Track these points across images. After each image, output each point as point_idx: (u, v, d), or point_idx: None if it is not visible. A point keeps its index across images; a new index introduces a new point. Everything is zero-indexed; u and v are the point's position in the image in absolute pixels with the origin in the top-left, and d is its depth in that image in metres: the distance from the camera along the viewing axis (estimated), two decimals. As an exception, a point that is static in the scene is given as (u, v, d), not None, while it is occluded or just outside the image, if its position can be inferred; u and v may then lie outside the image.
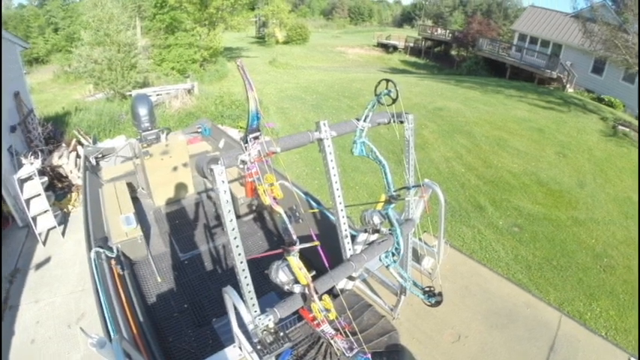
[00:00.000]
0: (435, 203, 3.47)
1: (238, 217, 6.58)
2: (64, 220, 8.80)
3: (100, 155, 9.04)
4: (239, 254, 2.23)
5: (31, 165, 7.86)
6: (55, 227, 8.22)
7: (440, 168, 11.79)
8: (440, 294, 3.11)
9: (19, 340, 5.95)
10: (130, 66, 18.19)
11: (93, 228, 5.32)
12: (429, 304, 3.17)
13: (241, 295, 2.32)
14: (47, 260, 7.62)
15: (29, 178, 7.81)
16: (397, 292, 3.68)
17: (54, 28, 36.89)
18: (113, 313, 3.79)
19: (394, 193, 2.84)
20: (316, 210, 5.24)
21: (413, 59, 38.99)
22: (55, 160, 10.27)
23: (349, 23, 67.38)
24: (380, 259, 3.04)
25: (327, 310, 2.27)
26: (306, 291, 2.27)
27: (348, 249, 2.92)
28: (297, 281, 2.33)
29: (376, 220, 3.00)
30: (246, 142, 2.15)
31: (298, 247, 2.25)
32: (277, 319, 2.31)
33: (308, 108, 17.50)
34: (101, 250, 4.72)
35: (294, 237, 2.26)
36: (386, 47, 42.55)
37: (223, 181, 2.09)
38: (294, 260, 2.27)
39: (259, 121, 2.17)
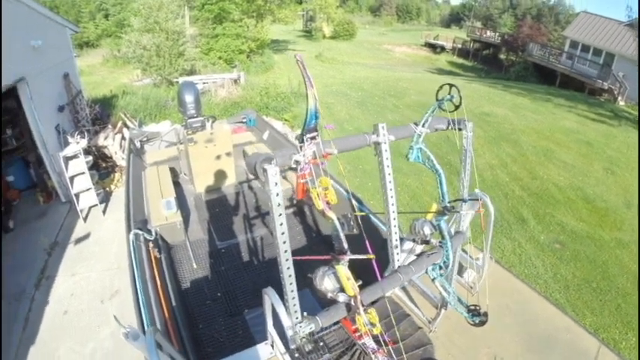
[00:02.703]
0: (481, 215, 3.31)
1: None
2: (105, 198, 9.07)
3: (144, 139, 9.21)
4: (286, 259, 2.11)
5: (77, 144, 8.08)
6: (96, 205, 8.48)
7: (484, 175, 11.40)
8: (485, 314, 2.93)
9: (52, 310, 6.16)
10: (178, 53, 18.60)
11: (133, 210, 5.40)
12: (472, 323, 3.00)
13: (283, 299, 2.23)
14: (86, 236, 7.86)
15: (74, 156, 8.04)
16: (437, 305, 3.51)
17: (104, 14, 38.20)
18: (147, 295, 3.81)
19: (448, 205, 2.70)
20: (362, 213, 5.09)
21: (460, 61, 38.11)
22: (101, 140, 10.58)
23: (396, 21, 66.45)
24: (426, 271, 2.92)
25: (372, 325, 2.17)
26: (352, 302, 2.16)
27: (397, 260, 2.82)
28: (342, 290, 2.23)
29: (427, 230, 2.85)
30: (302, 141, 2.04)
31: (349, 257, 2.15)
32: (319, 328, 2.22)
33: (353, 104, 17.31)
34: (140, 233, 4.76)
35: (346, 246, 2.16)
36: (433, 47, 41.76)
37: (277, 183, 1.94)
38: (343, 270, 2.17)
39: (317, 121, 2.08)
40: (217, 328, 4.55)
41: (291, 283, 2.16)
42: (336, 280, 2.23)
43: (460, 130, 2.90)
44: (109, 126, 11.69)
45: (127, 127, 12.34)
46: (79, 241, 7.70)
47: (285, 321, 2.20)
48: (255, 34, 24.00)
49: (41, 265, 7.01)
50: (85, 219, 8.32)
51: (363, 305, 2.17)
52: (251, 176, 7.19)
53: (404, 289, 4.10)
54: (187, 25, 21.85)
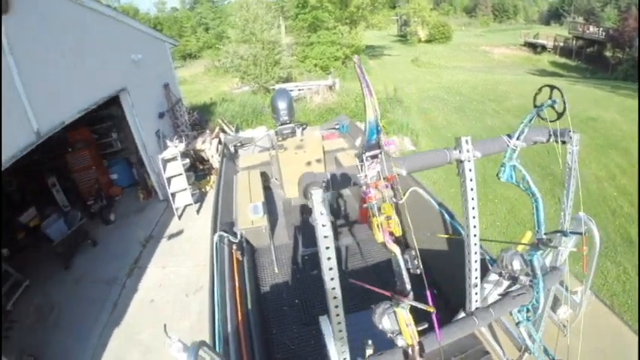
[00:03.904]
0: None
1: (354, 221, 6.33)
2: (200, 198, 9.64)
3: (238, 144, 9.54)
4: (334, 297, 1.82)
5: (175, 147, 8.63)
6: (191, 204, 9.04)
7: (589, 189, 10.18)
8: None
9: (140, 298, 6.65)
10: (274, 62, 19.38)
11: (221, 212, 5.53)
12: None
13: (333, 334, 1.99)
14: (179, 233, 8.40)
15: (172, 158, 8.66)
16: (521, 348, 3.04)
17: (205, 27, 41.77)
18: (223, 296, 3.81)
19: (544, 237, 2.25)
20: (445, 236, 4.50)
21: (563, 60, 34.84)
22: (199, 144, 11.24)
23: (493, 21, 62.73)
24: (510, 313, 2.48)
25: None
26: (410, 351, 1.90)
27: (475, 300, 2.39)
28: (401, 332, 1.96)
29: (516, 265, 2.37)
30: (362, 160, 1.78)
31: (410, 302, 1.86)
32: None
33: (450, 110, 16.68)
34: (225, 235, 4.85)
35: (408, 287, 1.88)
36: (534, 47, 38.68)
37: (322, 213, 1.67)
38: (403, 314, 1.90)
39: (379, 136, 1.79)
40: (290, 335, 4.45)
41: (339, 323, 1.91)
42: (396, 321, 1.96)
43: (564, 143, 2.38)
44: (207, 131, 12.39)
45: (224, 132, 12.94)
46: (172, 237, 8.22)
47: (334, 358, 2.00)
48: (349, 41, 24.17)
49: (135, 256, 7.64)
50: (179, 217, 8.88)
51: (422, 355, 1.90)
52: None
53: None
54: (283, 35, 22.65)
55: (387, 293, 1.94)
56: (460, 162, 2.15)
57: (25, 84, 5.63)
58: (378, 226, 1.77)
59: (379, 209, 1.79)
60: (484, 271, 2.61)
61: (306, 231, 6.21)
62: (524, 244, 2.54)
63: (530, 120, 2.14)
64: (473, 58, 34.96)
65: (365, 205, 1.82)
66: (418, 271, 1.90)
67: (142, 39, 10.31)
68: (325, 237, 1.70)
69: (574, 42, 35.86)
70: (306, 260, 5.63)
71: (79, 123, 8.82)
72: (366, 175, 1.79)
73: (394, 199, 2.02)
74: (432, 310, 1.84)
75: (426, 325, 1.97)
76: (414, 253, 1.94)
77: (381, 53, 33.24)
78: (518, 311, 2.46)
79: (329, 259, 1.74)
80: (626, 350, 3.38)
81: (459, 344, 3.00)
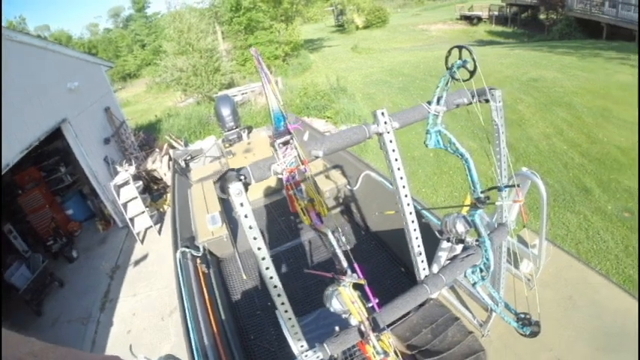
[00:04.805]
0: (534, 194, 2.89)
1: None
2: (160, 219, 9.49)
3: (188, 157, 9.47)
4: (274, 286, 1.86)
5: (125, 172, 8.51)
6: (151, 227, 8.90)
7: (539, 146, 10.72)
8: (537, 323, 2.50)
9: (117, 330, 6.55)
10: (214, 69, 19.14)
11: (180, 228, 5.52)
12: (522, 334, 2.59)
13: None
14: (144, 257, 8.29)
15: (125, 183, 8.50)
16: (488, 308, 3.15)
17: (141, 44, 40.81)
18: (194, 313, 3.86)
19: (481, 195, 2.29)
20: (391, 212, 4.40)
21: (500, 29, 36.05)
22: (150, 164, 11.08)
23: (427, -1, 64.30)
24: (465, 275, 2.49)
25: (386, 353, 1.92)
26: (362, 327, 1.93)
27: (422, 268, 2.39)
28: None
29: (460, 228, 2.34)
30: (275, 149, 1.82)
31: (350, 279, 1.92)
32: (327, 357, 2.02)
33: (395, 91, 17.00)
34: (187, 250, 4.87)
35: (345, 265, 1.94)
36: (470, 19, 39.87)
37: (242, 204, 1.63)
38: (346, 292, 1.95)
39: (285, 122, 1.84)
40: (268, 338, 4.51)
41: (286, 311, 1.95)
42: (343, 301, 2.02)
43: (487, 101, 2.37)
44: (157, 149, 12.20)
45: (173, 148, 12.79)
46: (137, 262, 8.13)
47: (293, 349, 2.06)
48: (287, 38, 24.18)
49: (105, 289, 7.50)
50: (142, 241, 8.76)
51: (375, 330, 1.93)
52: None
53: (452, 289, 3.74)
54: (220, 41, 22.41)
55: (329, 275, 2.01)
56: (380, 135, 2.11)
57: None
58: (302, 210, 1.83)
59: (299, 193, 1.82)
60: (437, 240, 2.68)
61: (266, 234, 6.31)
62: (463, 205, 2.59)
63: (446, 84, 2.17)
64: (412, 38, 35.60)
65: (290, 192, 1.87)
66: (348, 247, 2.02)
67: (76, 65, 9.99)
68: (250, 228, 1.72)
69: (508, 9, 37.05)
70: (273, 262, 5.75)
71: (25, 163, 8.59)
72: (282, 163, 1.81)
73: (313, 181, 2.01)
74: (362, 282, 1.92)
75: (376, 301, 2.04)
76: (339, 229, 2.04)
77: (321, 45, 33.37)
78: (472, 272, 2.49)
79: (259, 249, 1.78)
80: (594, 295, 3.47)
81: (428, 315, 3.11)
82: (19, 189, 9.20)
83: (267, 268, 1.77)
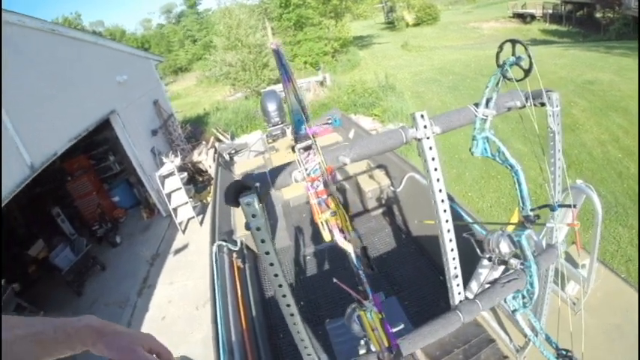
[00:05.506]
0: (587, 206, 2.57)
1: (366, 211, 6.32)
2: (202, 210, 9.70)
3: (233, 151, 9.59)
4: (291, 314, 1.68)
5: (171, 163, 8.71)
6: (193, 217, 9.10)
7: (593, 153, 10.07)
8: None
9: (151, 316, 6.76)
10: (262, 65, 19.40)
11: (219, 222, 5.55)
12: None
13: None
14: (185, 247, 8.49)
15: (170, 174, 8.72)
16: (524, 331, 2.93)
17: (192, 39, 41.95)
18: (225, 308, 3.84)
19: (531, 214, 1.98)
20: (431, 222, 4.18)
21: (554, 27, 34.31)
22: (195, 156, 11.34)
23: (480, -4, 62.30)
24: (505, 301, 2.22)
25: None
26: (381, 357, 1.73)
27: (457, 292, 2.11)
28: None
29: (504, 248, 2.05)
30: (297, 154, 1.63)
31: (372, 307, 1.74)
32: None
33: (444, 90, 16.64)
34: (224, 244, 4.87)
35: (368, 289, 1.76)
36: (523, 17, 38.26)
37: (254, 215, 1.41)
38: (367, 318, 1.76)
39: (306, 125, 1.65)
40: None
41: (298, 332, 1.76)
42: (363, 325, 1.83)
43: (542, 105, 2.04)
44: (203, 142, 12.47)
45: (220, 141, 13.03)
46: (177, 251, 8.32)
47: None
48: (336, 34, 24.14)
49: (144, 275, 7.75)
50: (183, 231, 8.97)
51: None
52: (339, 176, 6.93)
53: (492, 308, 3.44)
54: (270, 36, 22.48)
55: (357, 295, 1.82)
56: (418, 140, 1.83)
57: (13, 121, 5.76)
58: (322, 223, 1.63)
59: (322, 204, 1.65)
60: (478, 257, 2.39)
61: (306, 231, 6.26)
62: (510, 223, 2.25)
63: (497, 83, 1.88)
64: (463, 36, 34.63)
65: (313, 202, 1.68)
66: (375, 269, 1.82)
67: (125, 59, 10.41)
68: (263, 241, 1.49)
69: (563, 7, 35.22)
70: (308, 260, 5.66)
71: (75, 151, 9.02)
72: (305, 169, 1.61)
73: (338, 193, 1.79)
74: (380, 316, 1.75)
75: (401, 326, 1.84)
76: (362, 247, 1.82)
77: (370, 42, 33.06)
78: (514, 298, 2.21)
79: (276, 276, 1.56)
80: None
81: (462, 334, 2.94)
82: (69, 175, 9.71)
83: (275, 275, 1.57)
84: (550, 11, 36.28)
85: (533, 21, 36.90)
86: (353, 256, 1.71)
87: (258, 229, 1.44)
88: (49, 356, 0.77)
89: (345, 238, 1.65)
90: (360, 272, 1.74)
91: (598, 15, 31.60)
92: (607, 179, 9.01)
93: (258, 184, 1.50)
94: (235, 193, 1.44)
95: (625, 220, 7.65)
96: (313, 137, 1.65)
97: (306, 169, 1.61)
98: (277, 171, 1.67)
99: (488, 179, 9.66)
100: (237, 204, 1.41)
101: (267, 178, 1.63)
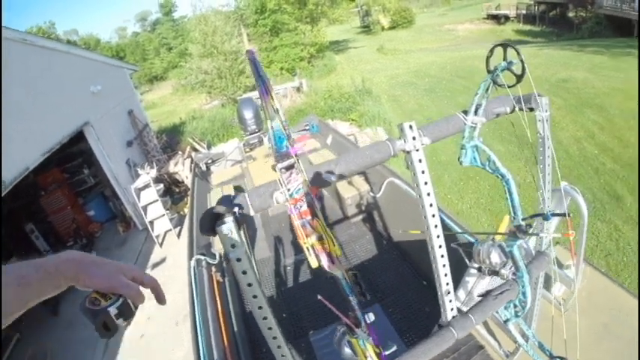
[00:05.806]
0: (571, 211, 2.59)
1: (346, 217, 6.27)
2: (180, 222, 9.54)
3: (209, 161, 9.47)
4: (264, 317, 1.48)
5: (146, 175, 8.59)
6: (170, 230, 8.94)
7: (569, 151, 10.34)
8: None
9: (130, 334, 6.57)
10: (239, 72, 19.28)
11: (197, 234, 5.36)
12: None
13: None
14: (163, 260, 8.35)
15: (146, 186, 8.56)
16: (516, 339, 2.93)
17: (168, 47, 41.78)
18: (205, 324, 3.79)
19: (523, 224, 1.90)
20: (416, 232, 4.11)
21: (527, 28, 35.09)
22: (171, 167, 11.20)
23: (454, -2, 63.32)
24: (497, 312, 2.20)
25: None
26: None
27: (450, 309, 2.01)
28: None
29: (495, 258, 2.02)
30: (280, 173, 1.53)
31: (365, 336, 1.65)
32: None
33: (421, 93, 16.82)
34: (202, 258, 4.76)
35: (359, 315, 1.67)
36: (497, 18, 39.02)
37: (234, 245, 1.25)
38: (359, 346, 1.68)
39: (288, 142, 1.55)
40: None
41: (274, 337, 1.60)
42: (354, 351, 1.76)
43: (532, 110, 2.01)
44: (179, 152, 12.33)
45: (196, 151, 12.91)
46: (155, 265, 8.19)
47: None
48: (312, 39, 24.15)
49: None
50: (161, 244, 8.83)
51: None
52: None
53: None
54: (246, 43, 22.51)
55: (346, 319, 1.72)
56: (407, 153, 1.73)
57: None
58: (308, 249, 1.52)
59: (305, 226, 1.56)
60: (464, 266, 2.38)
61: (286, 241, 6.17)
62: (501, 234, 2.21)
63: (487, 89, 1.82)
64: (438, 38, 35.11)
65: (296, 223, 1.58)
66: (368, 297, 1.75)
67: (99, 69, 10.20)
68: (244, 273, 1.33)
69: (536, 8, 36.01)
70: (289, 271, 5.57)
71: (49, 164, 8.79)
72: (287, 190, 1.52)
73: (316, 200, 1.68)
74: (377, 351, 1.69)
75: (394, 348, 1.77)
76: (357, 273, 1.74)
77: (346, 47, 33.30)
78: (505, 308, 2.19)
79: (250, 285, 1.37)
80: (631, 320, 3.18)
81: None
82: (42, 190, 9.44)
83: (254, 297, 1.41)
84: (524, 12, 37.13)
85: (507, 22, 37.69)
86: (342, 281, 1.63)
87: (238, 259, 1.30)
88: (36, 298, 0.78)
89: (333, 262, 1.56)
90: (352, 299, 1.66)
91: (571, 14, 32.44)
92: (584, 175, 9.30)
93: (236, 209, 1.38)
94: (211, 221, 1.30)
95: (603, 215, 7.90)
96: (296, 157, 1.55)
97: (289, 190, 1.52)
98: (257, 192, 1.58)
99: (467, 180, 9.82)
100: (214, 233, 1.28)
101: (247, 201, 1.52)
